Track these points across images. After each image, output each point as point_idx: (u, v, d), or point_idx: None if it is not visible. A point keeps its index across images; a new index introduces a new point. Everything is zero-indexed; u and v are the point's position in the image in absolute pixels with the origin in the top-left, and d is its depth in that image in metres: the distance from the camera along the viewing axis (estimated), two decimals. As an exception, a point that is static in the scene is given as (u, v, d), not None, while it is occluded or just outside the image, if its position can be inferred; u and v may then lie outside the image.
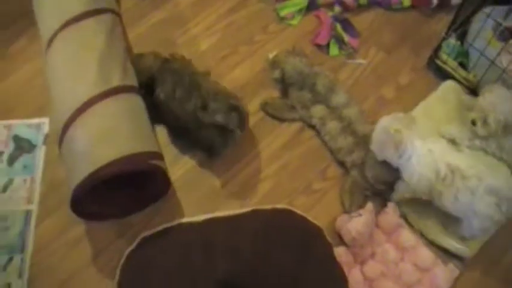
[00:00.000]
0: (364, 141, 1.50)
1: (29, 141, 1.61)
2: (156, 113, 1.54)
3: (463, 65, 1.69)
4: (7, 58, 1.77)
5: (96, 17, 1.55)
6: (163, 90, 1.52)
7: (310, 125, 1.62)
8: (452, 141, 1.49)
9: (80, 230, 1.48)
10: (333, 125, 1.55)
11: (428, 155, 1.37)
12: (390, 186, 1.48)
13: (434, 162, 1.37)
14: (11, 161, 1.58)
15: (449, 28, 1.65)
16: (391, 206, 1.47)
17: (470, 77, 1.66)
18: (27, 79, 1.72)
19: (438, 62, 1.70)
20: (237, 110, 1.46)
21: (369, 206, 1.45)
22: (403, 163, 1.40)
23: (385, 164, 1.45)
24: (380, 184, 1.48)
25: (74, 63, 1.47)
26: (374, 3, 1.86)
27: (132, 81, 1.52)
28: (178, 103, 1.50)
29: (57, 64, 1.50)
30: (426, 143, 1.39)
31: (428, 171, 1.37)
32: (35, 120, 1.64)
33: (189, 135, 1.54)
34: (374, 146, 1.44)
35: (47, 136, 1.62)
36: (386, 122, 1.42)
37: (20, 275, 1.41)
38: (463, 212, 1.38)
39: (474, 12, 1.70)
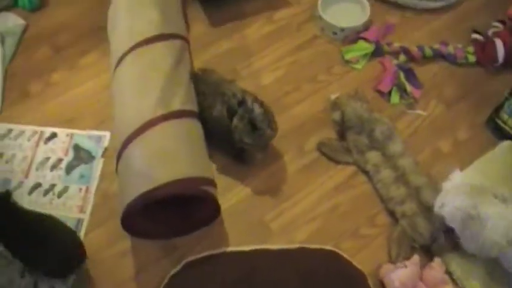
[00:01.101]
0: (416, 192, 1.50)
1: (88, 152, 1.65)
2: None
3: (523, 127, 1.68)
4: (77, 69, 1.83)
5: (166, 42, 1.60)
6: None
7: (364, 170, 1.62)
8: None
9: (126, 244, 1.50)
10: (386, 173, 1.55)
11: (501, 219, 1.36)
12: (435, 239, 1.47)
13: (505, 227, 1.35)
14: (69, 169, 1.63)
15: (512, 89, 1.64)
16: (437, 261, 1.45)
17: (529, 140, 1.65)
18: (93, 92, 1.77)
19: (498, 121, 1.69)
20: (262, 105, 1.47)
21: (415, 258, 1.43)
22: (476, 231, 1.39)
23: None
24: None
25: (139, 84, 1.52)
26: (439, 56, 1.86)
27: (193, 106, 1.55)
28: (208, 111, 1.55)
29: (123, 82, 1.55)
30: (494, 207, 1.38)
31: (500, 236, 1.35)
32: (97, 133, 1.69)
33: (226, 142, 1.56)
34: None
35: (106, 149, 1.66)
36: (458, 203, 1.39)
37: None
38: None
39: (540, 76, 1.69)
